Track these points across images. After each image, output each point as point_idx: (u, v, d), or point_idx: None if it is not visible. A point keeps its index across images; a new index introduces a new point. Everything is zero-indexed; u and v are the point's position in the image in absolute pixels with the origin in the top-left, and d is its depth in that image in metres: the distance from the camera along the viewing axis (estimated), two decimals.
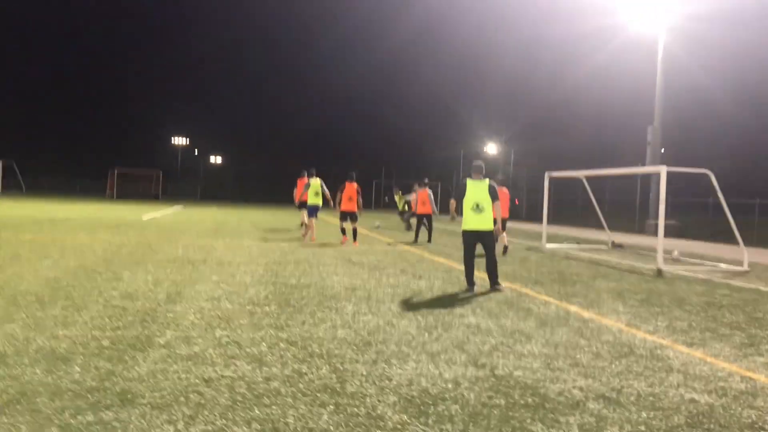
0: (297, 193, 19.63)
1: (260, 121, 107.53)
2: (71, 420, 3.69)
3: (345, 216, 16.36)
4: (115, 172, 53.58)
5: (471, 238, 9.39)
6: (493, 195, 9.29)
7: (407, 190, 25.78)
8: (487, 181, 9.43)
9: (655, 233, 27.09)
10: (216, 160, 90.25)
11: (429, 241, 18.14)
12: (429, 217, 18.40)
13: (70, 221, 20.52)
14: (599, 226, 21.68)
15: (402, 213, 25.97)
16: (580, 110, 67.36)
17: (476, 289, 9.24)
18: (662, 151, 35.03)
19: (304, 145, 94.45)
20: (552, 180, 29.35)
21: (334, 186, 17.60)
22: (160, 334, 5.79)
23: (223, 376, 4.61)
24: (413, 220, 20.88)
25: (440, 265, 12.53)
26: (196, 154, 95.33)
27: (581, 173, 19.34)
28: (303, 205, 18.36)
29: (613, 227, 31.88)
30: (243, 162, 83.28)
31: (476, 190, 9.30)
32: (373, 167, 62.64)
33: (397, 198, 26.89)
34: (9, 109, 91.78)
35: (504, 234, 14.99)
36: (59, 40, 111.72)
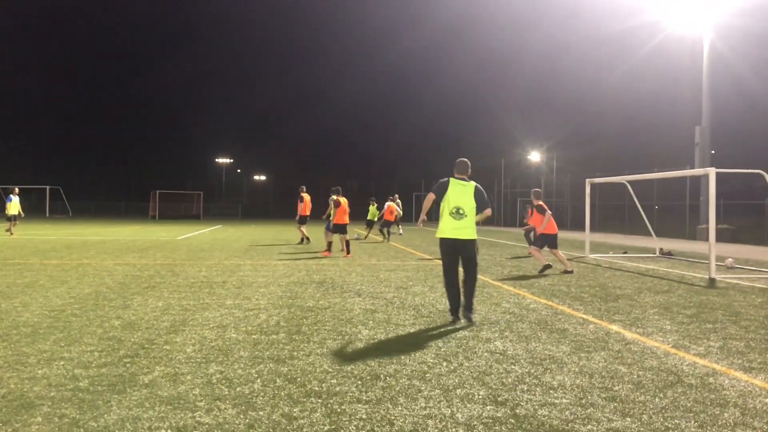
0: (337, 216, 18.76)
1: (303, 137, 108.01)
2: None
3: (338, 229, 16.82)
4: (156, 193, 54.07)
5: (449, 246, 7.66)
6: (481, 201, 7.70)
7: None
8: (473, 183, 7.77)
9: (706, 238, 25.85)
10: (259, 178, 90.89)
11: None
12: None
13: (104, 244, 20.41)
14: (647, 233, 20.63)
15: (371, 222, 26.82)
16: (623, 113, 65.62)
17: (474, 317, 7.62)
18: (713, 152, 33.61)
19: (344, 160, 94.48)
20: (597, 186, 28.43)
21: (361, 200, 17.85)
22: (148, 371, 5.26)
23: (200, 423, 4.04)
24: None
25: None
26: (239, 172, 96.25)
27: (624, 178, 18.37)
28: (304, 220, 21.35)
29: (662, 233, 30.65)
30: (286, 179, 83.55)
31: (460, 191, 7.64)
32: (413, 178, 61.99)
33: (372, 208, 27.13)
34: (56, 134, 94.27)
35: (559, 253, 14.02)
36: (105, 65, 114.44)
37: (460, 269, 7.73)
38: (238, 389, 4.79)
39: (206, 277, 11.60)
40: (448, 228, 7.59)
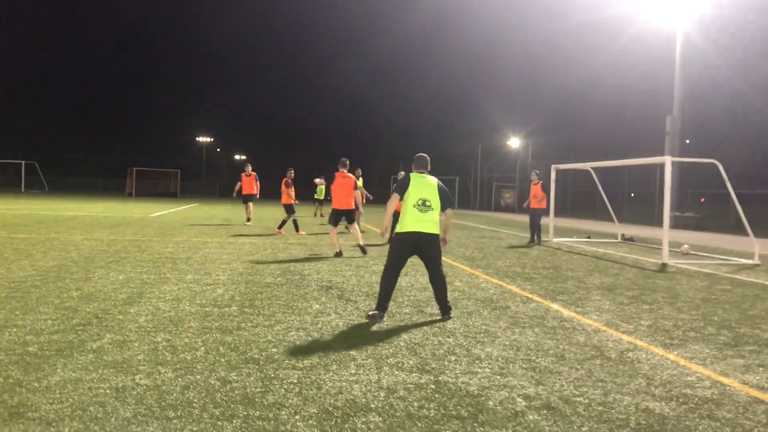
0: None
1: (282, 118, 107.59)
2: None
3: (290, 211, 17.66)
4: (134, 170, 53.82)
5: (408, 243, 6.91)
6: (445, 198, 7.11)
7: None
8: (435, 179, 7.18)
9: (672, 226, 26.39)
10: (240, 157, 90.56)
11: None
12: None
13: (75, 219, 20.46)
14: (619, 220, 21.07)
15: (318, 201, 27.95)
16: (600, 101, 66.17)
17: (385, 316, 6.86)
18: (687, 141, 34.11)
19: (322, 141, 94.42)
20: (571, 173, 28.73)
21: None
22: (98, 337, 5.50)
23: (138, 385, 4.30)
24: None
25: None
26: (219, 151, 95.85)
27: (588, 165, 18.77)
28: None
29: (632, 220, 31.24)
30: (266, 159, 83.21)
31: (423, 183, 7.05)
32: (392, 163, 62.20)
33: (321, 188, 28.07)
34: (33, 109, 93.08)
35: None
36: (81, 40, 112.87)
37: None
38: (180, 356, 5.06)
39: (171, 253, 11.80)
40: (412, 221, 6.85)
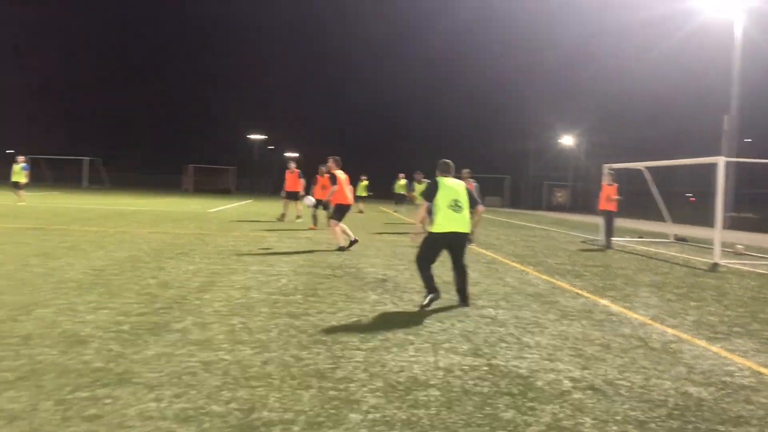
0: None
1: (333, 116, 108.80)
2: (68, 396, 3.98)
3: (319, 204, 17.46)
4: (190, 167, 55.41)
5: (442, 241, 7.36)
6: (473, 199, 7.55)
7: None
8: (462, 182, 7.69)
9: (729, 227, 26.05)
10: (291, 155, 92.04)
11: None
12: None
13: (139, 214, 21.46)
14: (672, 220, 21.00)
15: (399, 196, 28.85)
16: (654, 99, 65.13)
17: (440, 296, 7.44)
18: (749, 141, 33.46)
19: (372, 139, 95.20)
20: (624, 173, 28.40)
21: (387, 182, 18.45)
22: (180, 320, 6.09)
23: (222, 359, 4.84)
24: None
25: (484, 257, 12.50)
26: (271, 148, 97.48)
27: (641, 164, 18.80)
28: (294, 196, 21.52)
29: (684, 220, 30.84)
30: (317, 157, 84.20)
31: (452, 186, 7.47)
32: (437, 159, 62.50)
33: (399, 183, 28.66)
34: (96, 107, 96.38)
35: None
36: (140, 40, 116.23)
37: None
38: (256, 336, 5.59)
39: (234, 246, 12.46)
40: (447, 221, 7.27)
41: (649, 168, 19.15)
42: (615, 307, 7.72)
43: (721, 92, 36.05)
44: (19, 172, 25.23)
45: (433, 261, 7.42)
